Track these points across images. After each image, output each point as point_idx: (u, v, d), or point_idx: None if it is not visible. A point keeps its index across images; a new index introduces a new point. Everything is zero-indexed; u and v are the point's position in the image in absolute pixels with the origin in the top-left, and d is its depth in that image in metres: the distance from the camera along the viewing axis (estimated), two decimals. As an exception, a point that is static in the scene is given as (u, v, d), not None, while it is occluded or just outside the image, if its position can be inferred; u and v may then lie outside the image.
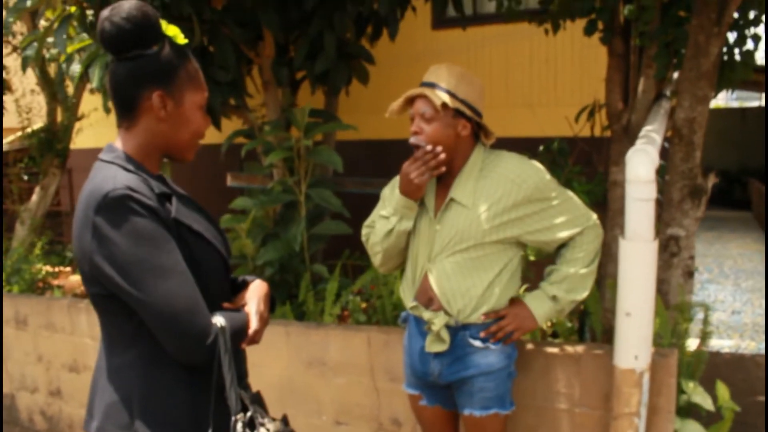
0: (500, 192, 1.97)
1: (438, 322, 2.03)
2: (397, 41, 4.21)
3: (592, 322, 2.71)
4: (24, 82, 6.41)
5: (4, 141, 7.01)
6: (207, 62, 3.45)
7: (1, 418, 4.57)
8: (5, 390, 4.39)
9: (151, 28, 1.41)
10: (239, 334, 1.46)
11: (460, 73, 2.00)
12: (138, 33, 1.39)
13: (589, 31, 3.25)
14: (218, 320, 1.40)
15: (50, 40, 3.33)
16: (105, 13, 1.40)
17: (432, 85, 1.99)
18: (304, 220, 3.69)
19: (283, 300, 3.73)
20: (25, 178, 6.56)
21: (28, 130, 6.09)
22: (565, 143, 3.69)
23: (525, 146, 4.11)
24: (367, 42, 4.14)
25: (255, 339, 1.51)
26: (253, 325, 1.50)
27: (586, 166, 3.54)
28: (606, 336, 2.82)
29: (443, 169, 1.99)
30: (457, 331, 2.05)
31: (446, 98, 1.94)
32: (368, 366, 2.94)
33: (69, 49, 2.87)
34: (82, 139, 6.92)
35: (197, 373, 1.42)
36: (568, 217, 2.02)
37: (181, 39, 1.49)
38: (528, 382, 2.48)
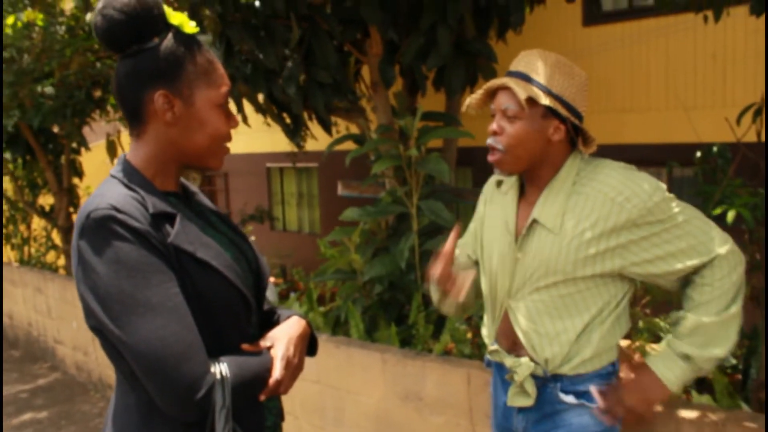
0: (596, 213, 1.50)
1: (521, 371, 1.61)
2: (544, 39, 3.78)
3: None
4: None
5: None
6: (309, 63, 3.22)
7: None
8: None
9: (150, 18, 1.20)
10: (255, 384, 1.21)
11: (555, 61, 1.55)
12: (134, 25, 1.19)
13: (756, 9, 2.63)
14: (219, 368, 1.14)
15: None
16: (99, 4, 1.20)
17: (519, 75, 1.57)
18: (415, 235, 3.36)
19: (390, 321, 3.42)
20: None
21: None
22: (727, 149, 3.04)
23: (685, 154, 3.51)
24: (496, 38, 3.73)
25: (278, 389, 1.24)
26: (276, 373, 1.23)
27: (751, 178, 2.88)
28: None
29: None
30: (546, 382, 1.62)
31: (534, 92, 1.51)
32: (467, 406, 2.54)
33: None
34: (237, 144, 7.12)
35: (198, 428, 1.16)
36: (690, 242, 1.49)
37: (188, 27, 1.25)
38: (654, 449, 1.97)
